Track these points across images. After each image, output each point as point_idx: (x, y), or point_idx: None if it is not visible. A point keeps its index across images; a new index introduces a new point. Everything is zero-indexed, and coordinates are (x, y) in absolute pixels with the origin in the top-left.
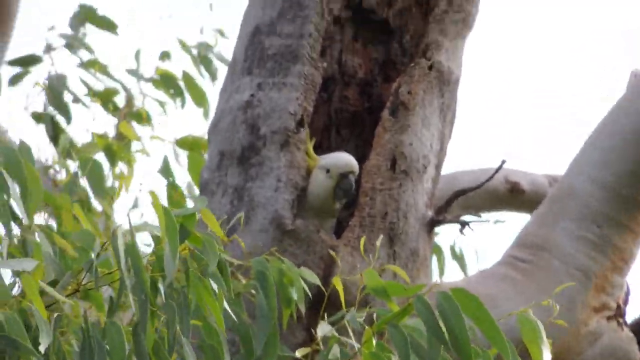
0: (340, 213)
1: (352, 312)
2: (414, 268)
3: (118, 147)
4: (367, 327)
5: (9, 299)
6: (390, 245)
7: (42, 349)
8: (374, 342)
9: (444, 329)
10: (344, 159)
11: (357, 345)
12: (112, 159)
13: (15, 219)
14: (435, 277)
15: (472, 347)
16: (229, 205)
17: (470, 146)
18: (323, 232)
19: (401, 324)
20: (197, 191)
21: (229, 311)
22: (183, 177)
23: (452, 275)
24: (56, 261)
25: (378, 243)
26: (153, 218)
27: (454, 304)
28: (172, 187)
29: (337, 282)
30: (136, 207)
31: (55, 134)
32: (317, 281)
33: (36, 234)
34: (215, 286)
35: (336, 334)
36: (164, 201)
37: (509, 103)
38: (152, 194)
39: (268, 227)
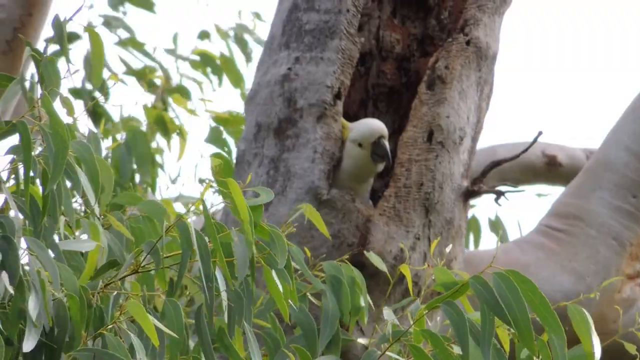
0: (375, 183)
1: (416, 302)
2: (449, 237)
3: (170, 119)
4: (420, 307)
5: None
6: (426, 214)
7: None
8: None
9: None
10: (370, 127)
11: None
12: (165, 130)
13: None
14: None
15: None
16: (265, 175)
17: (510, 121)
18: (359, 202)
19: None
20: None
21: (293, 306)
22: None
23: (488, 246)
24: (116, 242)
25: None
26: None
27: (512, 284)
28: (218, 157)
29: (371, 257)
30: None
31: (92, 109)
32: (383, 268)
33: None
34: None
35: (397, 322)
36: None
37: (548, 78)
38: (231, 182)
39: (304, 197)
